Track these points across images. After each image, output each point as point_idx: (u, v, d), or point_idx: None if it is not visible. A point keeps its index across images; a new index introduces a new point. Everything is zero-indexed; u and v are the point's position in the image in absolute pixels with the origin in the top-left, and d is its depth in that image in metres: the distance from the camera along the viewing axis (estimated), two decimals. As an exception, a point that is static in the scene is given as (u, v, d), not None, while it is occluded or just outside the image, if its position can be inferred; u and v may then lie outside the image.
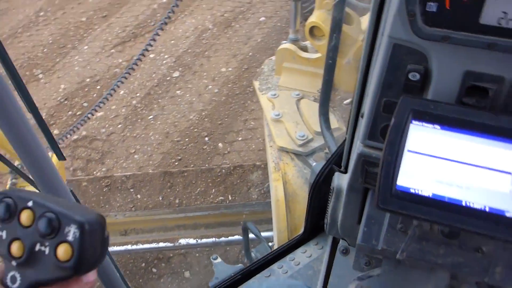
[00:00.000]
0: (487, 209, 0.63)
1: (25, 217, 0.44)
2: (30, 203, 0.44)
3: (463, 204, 0.63)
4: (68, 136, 2.18)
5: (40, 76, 4.17)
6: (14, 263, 0.44)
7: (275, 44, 4.18)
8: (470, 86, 0.72)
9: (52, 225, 0.42)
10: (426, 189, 0.65)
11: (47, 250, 0.43)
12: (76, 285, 0.45)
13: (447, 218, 0.64)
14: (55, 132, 3.54)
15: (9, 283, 0.45)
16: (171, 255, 2.89)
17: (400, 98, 0.69)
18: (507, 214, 0.62)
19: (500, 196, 0.63)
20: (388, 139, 0.67)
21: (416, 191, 0.65)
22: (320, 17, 2.07)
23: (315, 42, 2.14)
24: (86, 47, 4.50)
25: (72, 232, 0.41)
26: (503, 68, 0.69)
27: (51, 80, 4.13)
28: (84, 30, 4.73)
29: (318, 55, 2.25)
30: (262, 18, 4.74)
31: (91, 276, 0.46)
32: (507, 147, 0.64)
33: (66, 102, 3.90)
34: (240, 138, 3.52)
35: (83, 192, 3.04)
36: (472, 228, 0.63)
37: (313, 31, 2.13)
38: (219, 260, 1.44)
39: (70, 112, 3.78)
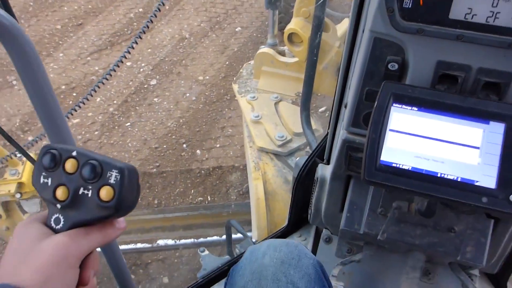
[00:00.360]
0: (459, 179, 0.71)
1: (70, 165, 0.49)
2: (74, 153, 0.50)
3: (438, 175, 0.71)
4: (41, 139, 2.17)
5: (14, 82, 4.10)
6: (58, 206, 0.49)
7: (251, 53, 4.27)
8: (442, 74, 0.81)
9: (95, 171, 0.47)
10: (406, 163, 0.73)
11: (90, 193, 0.48)
12: (111, 229, 0.50)
13: (425, 188, 0.71)
14: (29, 138, 3.50)
15: (53, 224, 0.50)
16: (149, 261, 2.88)
17: (383, 83, 0.77)
18: (476, 183, 0.70)
19: (470, 168, 0.71)
20: (372, 120, 0.75)
21: (398, 165, 0.73)
22: (298, 24, 2.17)
23: (294, 48, 2.24)
24: (61, 54, 4.47)
25: (114, 176, 0.47)
26: (469, 58, 0.78)
27: (25, 87, 4.08)
28: (59, 37, 4.69)
29: (295, 59, 2.34)
30: (238, 28, 4.84)
31: (122, 223, 0.51)
32: (474, 125, 0.73)
33: (41, 109, 3.85)
34: (218, 145, 3.56)
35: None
36: (446, 196, 0.71)
37: (292, 38, 2.22)
38: (206, 252, 1.48)
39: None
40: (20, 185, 2.37)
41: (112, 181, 0.48)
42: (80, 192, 0.49)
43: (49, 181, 0.50)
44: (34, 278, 0.44)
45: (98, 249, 0.54)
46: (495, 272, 1.09)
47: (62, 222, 0.50)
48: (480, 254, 0.94)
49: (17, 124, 3.71)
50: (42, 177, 0.51)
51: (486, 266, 1.05)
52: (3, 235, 2.61)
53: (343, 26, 2.72)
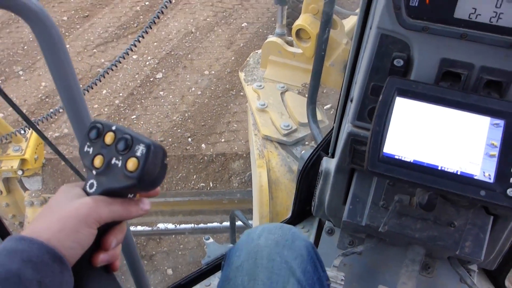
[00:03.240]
0: (458, 173, 0.74)
1: (109, 138, 0.56)
2: (113, 128, 0.56)
3: (439, 168, 0.74)
4: (48, 118, 2.20)
5: (21, 73, 4.14)
6: (94, 172, 0.56)
7: (257, 49, 4.28)
8: (446, 72, 0.83)
9: (127, 143, 0.52)
10: (408, 156, 0.76)
11: (119, 163, 0.54)
12: (134, 207, 0.54)
13: (426, 180, 0.74)
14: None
15: (88, 188, 0.56)
16: (154, 252, 2.92)
17: (387, 78, 0.80)
18: (475, 177, 0.73)
19: (470, 162, 0.74)
20: (377, 113, 0.78)
21: (400, 157, 0.76)
22: (306, 20, 2.19)
23: (301, 44, 2.25)
24: (67, 46, 4.48)
25: (140, 149, 0.52)
26: (473, 56, 0.81)
27: (32, 78, 4.11)
28: (65, 29, 4.73)
29: (303, 50, 2.35)
30: (244, 24, 4.86)
31: (146, 205, 0.56)
32: (474, 121, 0.75)
33: (47, 99, 3.89)
34: (223, 140, 3.59)
35: (61, 171, 3.04)
36: (446, 188, 0.74)
37: (300, 34, 2.24)
38: (211, 240, 1.52)
39: (51, 110, 3.77)
40: (22, 161, 2.40)
41: (138, 153, 0.53)
42: (113, 162, 0.55)
43: (91, 150, 0.57)
44: (51, 226, 0.50)
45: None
46: (493, 268, 1.11)
47: (95, 187, 0.56)
48: (478, 249, 0.96)
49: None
50: (86, 147, 0.58)
51: (485, 262, 1.07)
52: (2, 212, 2.63)
53: (350, 23, 2.74)
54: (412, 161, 0.75)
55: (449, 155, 0.74)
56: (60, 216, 0.51)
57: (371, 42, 0.89)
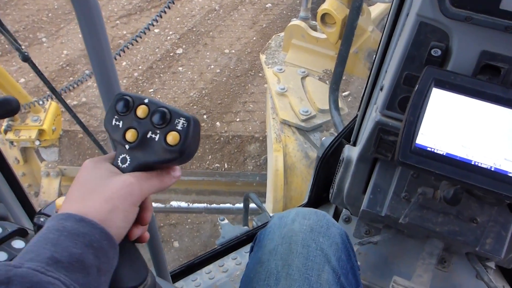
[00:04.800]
0: (492, 169, 0.72)
1: (141, 111, 0.53)
2: (146, 101, 0.54)
3: (472, 163, 0.72)
4: (71, 88, 2.20)
5: (44, 40, 4.16)
6: (127, 146, 0.54)
7: (280, 30, 4.22)
8: (485, 65, 0.80)
9: (165, 117, 0.51)
10: (441, 148, 0.74)
11: (157, 137, 0.52)
12: (167, 177, 0.54)
13: (458, 174, 0.73)
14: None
15: (119, 163, 0.55)
16: (162, 224, 2.95)
17: (425, 68, 0.77)
18: (510, 174, 0.71)
19: (505, 159, 0.72)
20: (412, 103, 0.75)
21: (432, 149, 0.74)
22: (332, 5, 2.14)
23: (326, 29, 2.21)
24: (90, 15, 4.49)
25: (181, 123, 0.51)
26: None
27: (54, 45, 4.13)
28: (89, -1, 4.71)
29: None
30: (269, 5, 4.79)
31: (178, 171, 0.55)
32: (514, 117, 0.73)
33: (68, 68, 3.91)
34: (238, 119, 3.58)
35: (78, 143, 3.07)
36: (478, 184, 0.72)
37: (325, 18, 2.20)
38: (226, 221, 1.52)
39: (71, 78, 3.80)
40: (40, 132, 2.41)
41: (179, 127, 0.51)
42: (148, 135, 0.53)
43: (121, 124, 0.54)
44: (102, 207, 0.48)
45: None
46: (510, 266, 1.10)
47: (128, 162, 0.54)
48: (499, 246, 0.95)
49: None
50: (114, 120, 0.55)
51: (503, 260, 1.06)
52: (18, 181, 2.68)
53: (376, 10, 2.68)
54: (445, 154, 0.73)
55: (484, 150, 0.72)
56: (106, 196, 0.49)
57: (408, 30, 0.86)
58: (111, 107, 0.55)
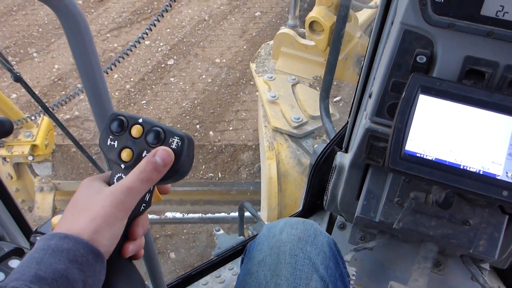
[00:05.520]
0: (481, 172, 0.73)
1: (136, 130, 0.54)
2: (140, 120, 0.55)
3: (461, 167, 0.74)
4: (66, 101, 2.19)
5: (35, 55, 4.15)
6: (122, 166, 0.55)
7: (270, 39, 4.25)
8: (469, 70, 0.82)
9: (159, 136, 0.52)
10: (430, 154, 0.75)
11: None
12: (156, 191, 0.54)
13: (447, 178, 0.74)
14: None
15: (115, 182, 0.55)
16: (157, 236, 2.94)
17: (411, 75, 0.79)
18: (498, 177, 0.72)
19: (492, 162, 0.73)
20: (399, 110, 0.77)
21: (422, 155, 0.75)
22: (320, 13, 2.16)
23: (314, 36, 2.23)
24: (81, 29, 4.50)
25: (175, 142, 0.51)
26: (498, 55, 0.79)
27: (45, 60, 4.12)
28: (79, 13, 4.72)
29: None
30: (258, 13, 4.82)
31: (169, 188, 0.56)
32: (498, 120, 0.74)
33: (59, 82, 3.90)
34: (231, 128, 3.59)
35: (71, 158, 3.05)
36: (468, 188, 0.73)
37: (313, 26, 2.22)
38: (221, 231, 1.52)
39: (63, 92, 3.79)
40: (33, 147, 2.41)
41: (174, 146, 0.52)
42: (143, 154, 0.54)
43: (116, 143, 0.55)
44: (87, 225, 0.49)
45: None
46: (505, 267, 1.11)
47: None
48: (492, 248, 0.96)
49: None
50: (109, 140, 0.56)
51: (497, 261, 1.07)
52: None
53: (363, 16, 2.70)
54: (434, 159, 0.74)
55: (472, 154, 0.74)
56: (92, 213, 0.50)
57: (393, 38, 0.87)
58: (106, 127, 0.56)
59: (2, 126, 0.75)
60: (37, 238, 0.71)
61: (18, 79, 1.21)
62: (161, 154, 0.53)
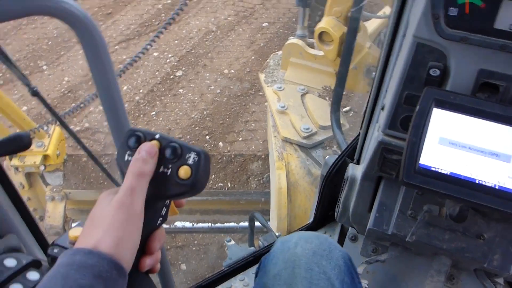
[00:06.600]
0: (496, 187, 0.72)
1: None
2: (157, 136, 0.56)
3: (476, 181, 0.73)
4: (74, 111, 2.22)
5: (44, 67, 4.21)
6: None
7: (278, 49, 4.27)
8: (483, 83, 0.82)
9: (176, 152, 0.52)
10: (445, 168, 0.75)
11: (169, 171, 0.54)
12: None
13: (462, 193, 0.73)
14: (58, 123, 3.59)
15: None
16: (168, 247, 2.94)
17: (425, 89, 0.79)
18: (514, 192, 0.72)
19: (508, 177, 0.73)
20: (413, 123, 0.77)
21: (436, 169, 0.75)
22: (329, 23, 2.17)
23: (324, 47, 2.24)
24: (90, 42, 4.55)
25: (192, 157, 0.52)
26: None
27: (55, 72, 4.18)
28: (89, 25, 4.78)
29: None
30: (265, 24, 4.85)
31: (183, 202, 0.56)
32: (515, 135, 0.74)
33: (69, 94, 3.95)
34: (240, 139, 3.60)
35: (82, 167, 3.08)
36: (483, 202, 0.72)
37: (322, 36, 2.23)
38: (232, 242, 1.52)
39: (73, 104, 3.83)
40: (45, 157, 2.44)
41: (190, 161, 0.53)
42: (160, 170, 0.55)
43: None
44: (105, 237, 0.50)
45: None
46: (520, 281, 1.10)
47: None
48: (507, 262, 0.95)
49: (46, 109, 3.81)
50: (126, 155, 0.57)
51: None
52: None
53: (372, 26, 2.71)
54: (449, 173, 0.74)
55: (487, 168, 0.73)
56: (106, 225, 0.51)
57: (406, 51, 0.88)
58: (123, 142, 0.57)
59: (21, 141, 0.76)
60: (55, 250, 0.71)
61: (35, 93, 1.22)
62: (144, 147, 0.55)
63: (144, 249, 0.55)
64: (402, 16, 0.94)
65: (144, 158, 0.54)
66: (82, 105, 2.17)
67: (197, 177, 0.53)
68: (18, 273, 0.74)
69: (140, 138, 0.56)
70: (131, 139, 0.56)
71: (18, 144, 0.76)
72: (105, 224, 0.51)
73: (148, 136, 0.56)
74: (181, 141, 0.55)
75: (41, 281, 0.47)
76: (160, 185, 0.54)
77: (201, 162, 0.53)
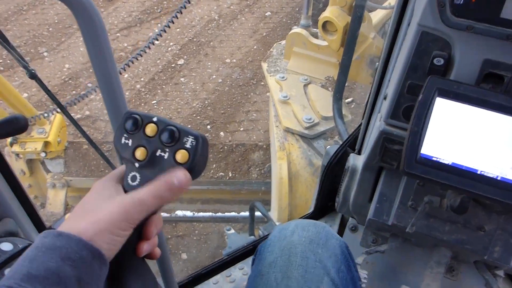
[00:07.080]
0: (499, 178, 0.72)
1: (150, 129, 0.54)
2: (155, 119, 0.55)
3: (478, 172, 0.72)
4: (79, 100, 2.21)
5: (45, 54, 4.19)
6: (136, 165, 0.55)
7: (280, 39, 4.25)
8: (488, 73, 0.81)
9: (173, 135, 0.52)
10: (446, 158, 0.74)
11: (166, 155, 0.53)
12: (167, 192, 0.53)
13: (464, 183, 0.73)
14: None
15: (130, 181, 0.55)
16: (169, 236, 2.95)
17: (428, 78, 0.78)
18: (516, 183, 0.71)
19: (511, 168, 0.72)
20: (416, 113, 0.76)
21: (438, 159, 0.74)
22: (333, 13, 2.15)
23: (328, 36, 2.22)
24: (92, 29, 4.52)
25: (190, 141, 0.51)
26: None
27: (56, 59, 4.15)
28: (90, 12, 4.75)
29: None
30: (268, 13, 4.81)
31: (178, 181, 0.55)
32: (519, 126, 0.73)
33: (70, 81, 3.93)
34: (241, 129, 3.59)
35: (83, 155, 3.08)
36: (485, 193, 0.72)
37: (326, 26, 2.21)
38: (232, 231, 1.52)
39: (74, 92, 3.82)
40: (46, 144, 2.44)
41: (188, 145, 0.52)
42: (157, 153, 0.54)
43: (130, 142, 0.55)
44: (87, 228, 0.48)
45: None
46: (520, 273, 1.09)
47: (138, 180, 0.55)
48: (507, 254, 0.95)
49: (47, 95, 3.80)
50: (123, 138, 0.56)
51: None
52: (25, 193, 2.69)
53: (376, 17, 2.69)
54: (450, 163, 0.73)
55: (490, 159, 0.72)
56: (95, 218, 0.50)
57: (410, 39, 0.86)
58: (120, 125, 0.56)
59: (17, 123, 0.76)
60: None
61: (33, 76, 1.21)
62: (179, 176, 0.52)
63: (141, 234, 0.55)
64: (407, 4, 0.92)
65: (172, 187, 0.52)
66: (84, 96, 2.17)
67: (195, 162, 0.52)
68: (14, 257, 0.74)
69: (137, 120, 0.55)
70: (128, 122, 0.55)
71: (14, 126, 0.75)
72: (97, 216, 0.50)
73: (146, 119, 0.55)
74: (179, 125, 0.54)
75: (12, 265, 0.46)
76: (158, 169, 0.53)
77: (198, 146, 0.52)
